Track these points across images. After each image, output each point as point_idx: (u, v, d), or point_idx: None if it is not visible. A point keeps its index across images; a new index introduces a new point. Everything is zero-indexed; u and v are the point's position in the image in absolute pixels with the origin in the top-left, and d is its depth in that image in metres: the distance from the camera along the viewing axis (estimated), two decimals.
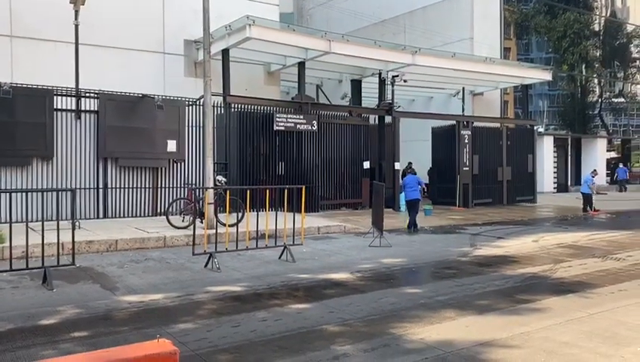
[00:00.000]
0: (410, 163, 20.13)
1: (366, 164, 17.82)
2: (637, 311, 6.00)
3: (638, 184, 33.67)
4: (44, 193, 7.57)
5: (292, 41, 15.59)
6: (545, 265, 8.81)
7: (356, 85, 20.04)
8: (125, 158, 13.49)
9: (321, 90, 22.49)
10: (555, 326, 5.45)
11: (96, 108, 13.22)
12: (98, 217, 13.12)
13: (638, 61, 37.07)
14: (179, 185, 14.12)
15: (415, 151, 21.72)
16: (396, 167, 18.21)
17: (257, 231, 9.09)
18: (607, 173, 31.18)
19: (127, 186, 13.58)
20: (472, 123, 20.12)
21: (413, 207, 13.25)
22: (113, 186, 13.40)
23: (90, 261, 8.82)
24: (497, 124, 21.85)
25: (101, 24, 14.68)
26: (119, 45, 15.12)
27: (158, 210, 13.74)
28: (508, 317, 5.79)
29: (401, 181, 18.51)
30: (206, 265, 8.25)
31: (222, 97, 14.85)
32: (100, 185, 13.26)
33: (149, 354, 2.21)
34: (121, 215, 13.41)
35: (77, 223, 9.76)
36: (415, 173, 14.23)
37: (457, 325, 5.52)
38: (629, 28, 38.73)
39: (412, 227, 13.09)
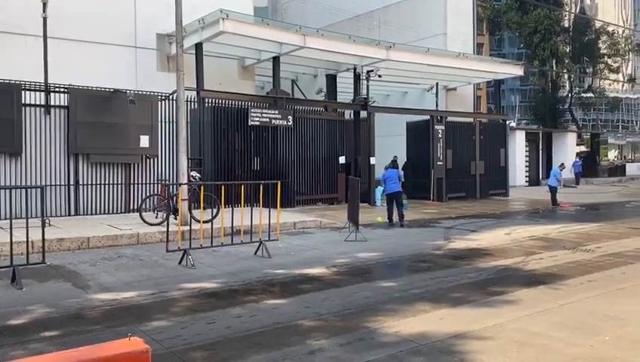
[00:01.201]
0: (395, 157, 20.32)
1: (342, 159, 17.86)
2: (605, 302, 6.16)
3: (607, 177, 34.49)
4: (13, 190, 7.37)
5: (266, 36, 15.50)
6: (517, 258, 8.96)
7: (331, 80, 20.05)
8: (97, 154, 13.25)
9: (297, 85, 22.44)
10: (527, 317, 5.55)
11: (66, 104, 12.95)
12: (69, 214, 12.88)
13: (606, 57, 37.86)
14: (152, 182, 13.94)
15: (390, 146, 21.83)
16: (372, 162, 18.29)
17: (232, 227, 9.04)
18: None
19: (98, 183, 13.36)
20: (446, 118, 20.32)
21: (396, 199, 13.28)
22: (84, 183, 13.16)
23: (62, 259, 8.65)
24: (470, 119, 22.11)
25: (71, 17, 14.36)
26: (90, 39, 14.82)
27: (131, 207, 13.54)
28: (481, 309, 5.88)
29: (378, 175, 18.63)
30: (180, 262, 8.17)
31: (195, 92, 14.70)
32: (71, 182, 13.01)
33: (120, 353, 2.17)
34: (93, 212, 13.19)
35: (47, 221, 9.57)
36: (397, 167, 14.30)
37: (432, 318, 5.58)
38: (597, 24, 39.57)
39: (402, 219, 13.12)
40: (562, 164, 21.69)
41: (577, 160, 31.02)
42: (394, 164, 18.74)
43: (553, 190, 18.44)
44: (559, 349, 4.61)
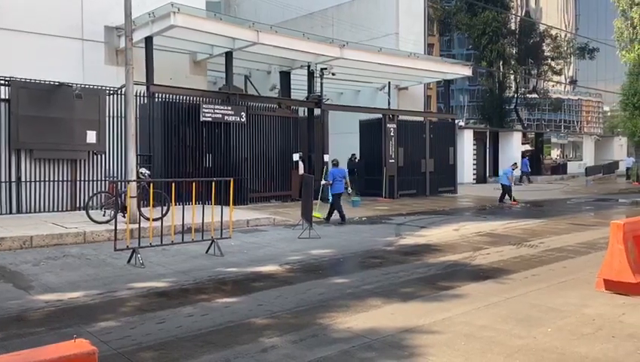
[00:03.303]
0: (353, 155, 20.49)
1: (295, 156, 17.85)
2: (548, 295, 6.41)
3: (550, 175, 35.87)
4: None
5: (219, 30, 15.29)
6: (465, 253, 9.21)
7: (285, 77, 19.99)
8: (41, 150, 12.76)
9: (250, 81, 22.25)
10: (474, 311, 5.72)
11: (7, 97, 12.38)
12: (11, 212, 12.34)
13: (549, 59, 39.37)
14: (100, 178, 13.54)
15: (344, 143, 21.99)
16: (325, 159, 18.36)
17: (183, 225, 8.88)
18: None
19: (43, 180, 12.85)
20: (398, 116, 20.63)
21: (339, 199, 13.30)
22: (27, 180, 12.64)
23: (2, 259, 8.28)
24: (421, 118, 22.54)
25: (12, 6, 13.74)
26: (33, 30, 14.20)
27: (78, 205, 13.11)
28: (430, 304, 6.01)
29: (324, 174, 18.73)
30: (129, 261, 7.97)
31: (145, 87, 14.35)
32: (13, 179, 12.46)
33: (65, 356, 2.09)
34: (37, 210, 12.69)
35: None
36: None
37: (383, 313, 5.67)
38: (542, 27, 41.08)
39: (343, 218, 13.21)
40: (515, 163, 22.44)
41: (525, 158, 32.11)
42: (352, 160, 18.85)
43: (506, 188, 18.82)
44: (504, 341, 4.77)
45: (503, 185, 19.06)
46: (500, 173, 20.71)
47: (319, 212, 13.59)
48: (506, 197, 18.93)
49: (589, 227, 12.87)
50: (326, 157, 18.41)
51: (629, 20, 28.63)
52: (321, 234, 10.91)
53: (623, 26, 28.88)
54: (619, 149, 42.97)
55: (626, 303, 5.95)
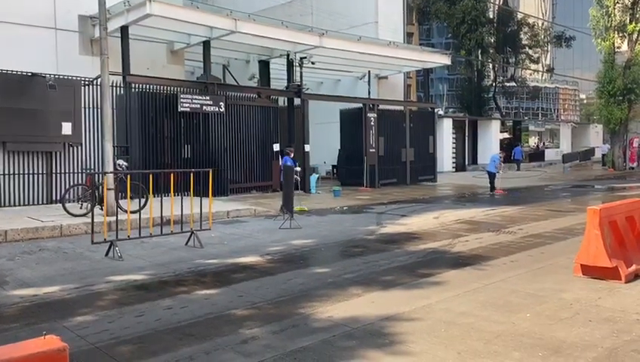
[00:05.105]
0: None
1: (276, 147, 17.74)
2: (526, 280, 6.48)
3: (528, 162, 36.31)
4: None
5: (196, 19, 15.06)
6: (444, 241, 9.27)
7: (264, 66, 19.81)
8: (14, 142, 12.49)
9: (228, 71, 21.99)
10: (454, 297, 5.75)
11: None
12: None
13: (527, 47, 39.67)
14: (76, 171, 13.30)
15: (324, 133, 21.94)
16: (306, 149, 18.29)
17: (162, 216, 8.78)
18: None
19: (17, 172, 12.59)
20: (378, 106, 20.63)
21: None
22: (1, 173, 12.36)
23: None
24: (401, 107, 22.56)
25: None
26: (3, 19, 13.79)
27: (54, 198, 12.88)
28: (411, 292, 6.03)
29: (315, 163, 18.55)
30: (107, 254, 7.85)
31: (121, 77, 14.09)
32: None
33: (33, 353, 2.01)
34: (11, 203, 12.43)
35: None
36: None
37: (364, 301, 5.67)
38: (519, 16, 41.36)
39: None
40: (502, 151, 22.52)
41: (517, 147, 32.44)
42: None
43: (492, 176, 18.61)
44: (484, 327, 4.80)
45: (488, 173, 18.76)
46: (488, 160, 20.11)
47: (302, 205, 13.51)
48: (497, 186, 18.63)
49: (567, 213, 13.05)
50: (307, 148, 18.34)
51: (605, 9, 28.99)
52: (302, 225, 10.88)
53: (599, 14, 29.24)
54: (595, 136, 43.65)
55: (602, 287, 6.04)
